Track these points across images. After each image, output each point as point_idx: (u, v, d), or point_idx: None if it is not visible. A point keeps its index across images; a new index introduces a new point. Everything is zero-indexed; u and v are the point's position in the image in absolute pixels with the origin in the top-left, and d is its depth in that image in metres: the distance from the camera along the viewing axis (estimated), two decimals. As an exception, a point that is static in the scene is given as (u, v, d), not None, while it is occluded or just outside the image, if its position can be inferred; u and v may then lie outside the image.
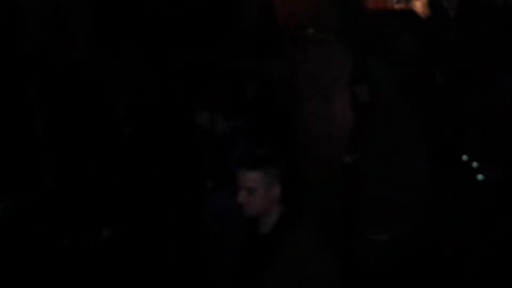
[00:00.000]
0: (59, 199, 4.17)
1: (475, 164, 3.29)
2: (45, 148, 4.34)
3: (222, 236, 3.42)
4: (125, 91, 4.56)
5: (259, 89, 4.04)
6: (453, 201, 3.25)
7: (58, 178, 4.24)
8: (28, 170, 4.17)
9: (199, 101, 3.66)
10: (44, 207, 4.11)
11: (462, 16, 5.91)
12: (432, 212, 3.32)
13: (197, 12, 5.92)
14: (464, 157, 3.35)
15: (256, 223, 2.42)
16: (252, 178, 2.30)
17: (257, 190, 2.30)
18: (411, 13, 6.21)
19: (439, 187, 3.39)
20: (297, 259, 2.22)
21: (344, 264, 2.84)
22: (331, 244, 2.41)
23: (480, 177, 3.24)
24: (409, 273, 3.27)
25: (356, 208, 3.71)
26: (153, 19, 5.72)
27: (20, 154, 4.14)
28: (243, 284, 2.40)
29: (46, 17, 5.09)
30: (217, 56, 5.11)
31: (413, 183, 3.23)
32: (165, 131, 3.89)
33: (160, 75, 4.66)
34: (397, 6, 6.60)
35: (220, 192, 3.53)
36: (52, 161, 4.31)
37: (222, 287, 3.16)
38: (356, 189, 3.74)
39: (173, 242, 3.59)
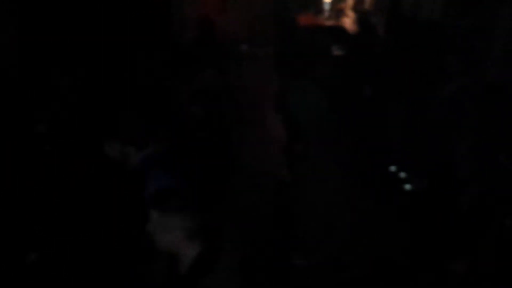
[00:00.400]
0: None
1: (402, 175, 3.41)
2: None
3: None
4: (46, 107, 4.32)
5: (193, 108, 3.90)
6: (381, 212, 3.36)
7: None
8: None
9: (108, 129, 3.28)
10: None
11: (389, 32, 6.16)
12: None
13: (124, 26, 5.77)
14: (392, 168, 3.47)
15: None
16: None
17: None
18: (341, 29, 6.42)
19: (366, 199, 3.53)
20: None
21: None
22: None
23: (407, 187, 3.36)
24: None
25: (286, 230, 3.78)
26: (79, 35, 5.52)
27: None
28: None
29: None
30: (142, 72, 4.95)
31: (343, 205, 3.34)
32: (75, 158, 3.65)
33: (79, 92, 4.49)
34: (327, 23, 6.80)
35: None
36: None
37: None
38: (288, 208, 3.81)
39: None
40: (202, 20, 5.73)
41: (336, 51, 5.43)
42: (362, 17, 6.17)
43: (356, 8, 6.85)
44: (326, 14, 6.97)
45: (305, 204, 3.99)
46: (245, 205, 4.24)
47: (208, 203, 2.42)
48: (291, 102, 4.06)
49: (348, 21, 6.35)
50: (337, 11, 6.63)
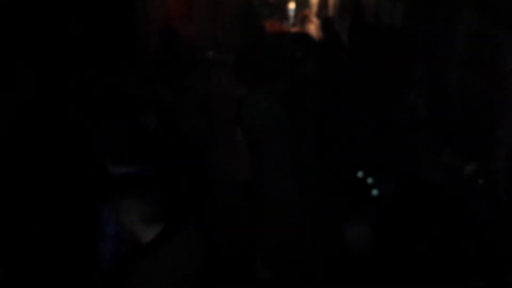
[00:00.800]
0: None
1: (370, 180, 3.48)
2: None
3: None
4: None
5: (160, 118, 3.86)
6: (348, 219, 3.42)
7: None
8: None
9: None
10: None
11: (352, 38, 6.27)
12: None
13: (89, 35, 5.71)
14: (360, 174, 3.53)
15: None
16: None
17: None
18: (305, 35, 6.48)
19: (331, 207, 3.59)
20: None
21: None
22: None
23: (375, 192, 3.43)
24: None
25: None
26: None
27: None
28: None
29: None
30: (110, 82, 4.90)
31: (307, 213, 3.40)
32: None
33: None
34: (292, 29, 6.86)
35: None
36: None
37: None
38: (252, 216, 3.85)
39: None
40: (165, 29, 5.70)
41: (301, 57, 5.48)
42: (326, 23, 6.26)
43: (320, 14, 6.95)
44: (291, 20, 7.05)
45: (269, 213, 4.02)
46: (210, 207, 4.26)
47: (169, 194, 2.55)
48: (248, 110, 4.09)
49: (313, 28, 6.42)
50: (302, 17, 6.69)
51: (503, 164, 3.53)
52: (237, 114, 4.15)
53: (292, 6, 7.06)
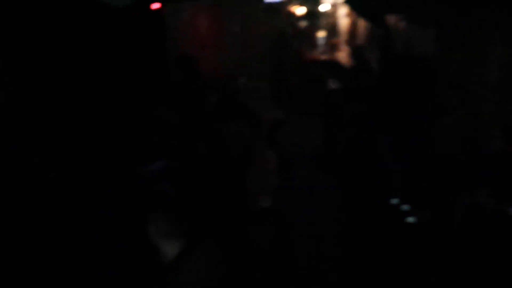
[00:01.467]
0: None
1: (405, 208, 3.44)
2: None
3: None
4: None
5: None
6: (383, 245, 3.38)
7: None
8: None
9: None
10: None
11: (382, 66, 6.27)
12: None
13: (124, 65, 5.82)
14: (394, 201, 3.50)
15: None
16: None
17: None
18: (335, 63, 6.52)
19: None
20: None
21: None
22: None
23: (410, 219, 3.39)
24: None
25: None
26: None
27: None
28: None
29: None
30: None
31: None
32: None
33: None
34: (323, 57, 6.91)
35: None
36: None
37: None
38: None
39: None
40: (181, 58, 5.66)
41: (332, 85, 5.52)
42: (356, 51, 6.28)
43: (350, 42, 6.98)
44: (321, 48, 7.10)
45: (301, 238, 4.00)
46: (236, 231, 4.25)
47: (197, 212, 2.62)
48: (286, 135, 4.16)
49: (343, 55, 6.46)
50: (332, 45, 6.74)
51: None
52: (270, 137, 4.22)
53: (321, 34, 7.10)
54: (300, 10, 7.69)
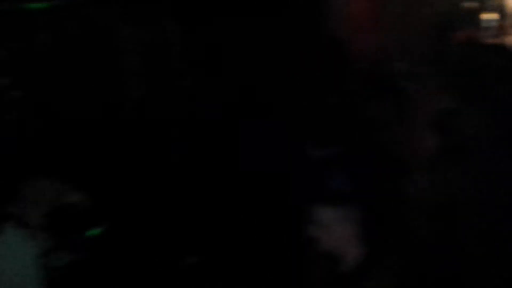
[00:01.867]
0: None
1: None
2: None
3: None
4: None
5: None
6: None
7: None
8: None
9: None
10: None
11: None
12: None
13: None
14: None
15: None
16: None
17: None
18: (503, 48, 5.99)
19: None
20: None
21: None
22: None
23: None
24: None
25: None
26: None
27: None
28: None
29: None
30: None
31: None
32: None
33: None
34: (489, 41, 6.42)
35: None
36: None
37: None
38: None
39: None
40: (333, 40, 5.50)
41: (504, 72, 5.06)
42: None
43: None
44: (490, 32, 6.64)
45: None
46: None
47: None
48: (460, 124, 3.87)
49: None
50: (499, 28, 6.25)
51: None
52: (438, 125, 3.95)
53: (487, 16, 6.64)
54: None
